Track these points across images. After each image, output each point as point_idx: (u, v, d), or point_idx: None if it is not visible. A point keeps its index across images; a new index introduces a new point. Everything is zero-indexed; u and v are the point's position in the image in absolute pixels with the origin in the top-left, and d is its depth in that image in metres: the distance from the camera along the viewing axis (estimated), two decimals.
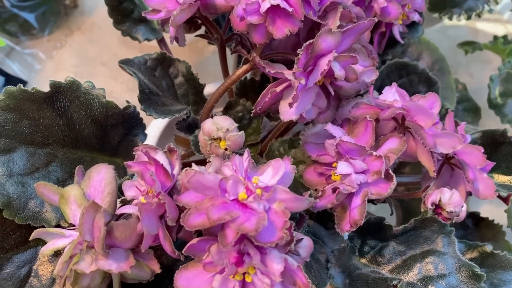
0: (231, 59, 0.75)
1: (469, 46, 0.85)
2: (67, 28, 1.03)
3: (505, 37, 0.82)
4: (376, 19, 0.47)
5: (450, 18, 0.74)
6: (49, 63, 0.99)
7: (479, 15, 0.74)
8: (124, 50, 1.00)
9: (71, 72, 0.98)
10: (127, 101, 0.49)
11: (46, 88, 0.54)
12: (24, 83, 0.95)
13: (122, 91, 0.97)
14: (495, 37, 0.84)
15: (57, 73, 0.98)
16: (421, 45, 0.69)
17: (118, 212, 0.40)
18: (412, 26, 0.60)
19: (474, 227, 0.62)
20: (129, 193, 0.41)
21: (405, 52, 0.69)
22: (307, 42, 0.42)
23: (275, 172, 0.38)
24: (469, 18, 0.74)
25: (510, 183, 0.56)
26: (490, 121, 0.79)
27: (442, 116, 0.68)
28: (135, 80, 0.49)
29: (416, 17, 0.58)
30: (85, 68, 0.99)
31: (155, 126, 0.64)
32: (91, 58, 1.01)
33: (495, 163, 0.55)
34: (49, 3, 0.98)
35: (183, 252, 0.38)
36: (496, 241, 0.61)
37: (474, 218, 0.62)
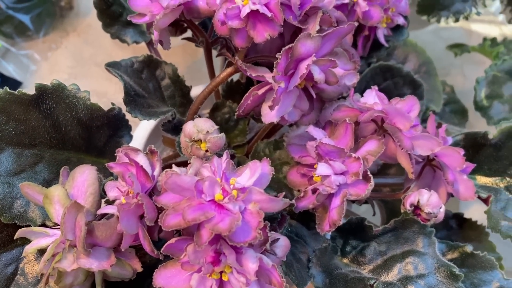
0: (220, 60, 0.76)
1: (458, 48, 0.86)
2: (63, 30, 1.04)
3: (493, 39, 0.83)
4: (356, 24, 0.48)
5: (438, 21, 0.74)
6: (44, 64, 1.00)
7: (466, 18, 0.74)
8: (119, 51, 1.01)
9: (65, 73, 0.99)
10: (112, 103, 0.49)
11: None
12: (19, 84, 0.96)
13: (116, 91, 0.98)
14: (484, 39, 0.85)
15: (52, 74, 0.99)
16: (408, 47, 0.70)
17: (100, 212, 0.41)
18: (397, 29, 0.60)
19: (458, 228, 0.62)
20: (111, 194, 0.42)
21: (391, 55, 0.70)
22: (286, 47, 0.43)
23: (252, 173, 0.39)
24: (457, 20, 0.74)
25: (492, 184, 0.57)
26: (480, 123, 0.80)
27: (428, 118, 0.69)
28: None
29: (400, 20, 0.59)
30: (80, 69, 1.00)
31: (143, 127, 0.65)
32: (85, 59, 1.02)
33: (475, 165, 0.56)
34: (44, 5, 0.99)
35: (161, 251, 0.39)
36: (480, 242, 0.61)
37: (457, 219, 0.63)
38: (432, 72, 0.70)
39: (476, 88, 0.69)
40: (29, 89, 0.94)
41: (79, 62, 1.01)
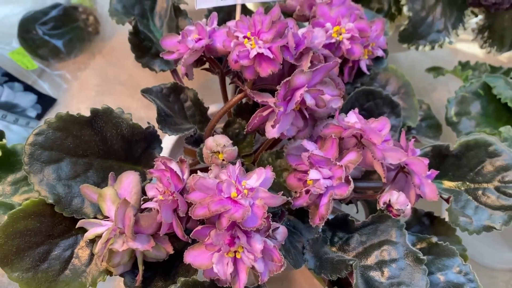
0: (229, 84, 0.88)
1: (435, 71, 0.98)
2: (90, 52, 1.18)
3: (465, 64, 0.95)
4: (339, 60, 0.61)
5: (417, 49, 0.87)
6: (74, 83, 1.13)
7: (441, 46, 0.87)
8: (140, 71, 1.14)
9: (93, 91, 1.12)
10: (148, 123, 0.62)
11: (72, 105, 0.64)
12: (54, 100, 1.09)
13: (138, 107, 1.11)
14: (459, 63, 0.97)
15: (81, 92, 1.12)
16: (389, 72, 0.82)
17: (143, 206, 0.53)
18: (377, 59, 0.73)
19: (430, 224, 0.74)
20: (150, 193, 0.55)
21: (374, 79, 0.82)
22: (285, 80, 0.55)
23: (259, 177, 0.51)
24: (432, 48, 0.87)
25: (455, 188, 0.68)
26: (453, 136, 0.91)
27: (406, 132, 0.81)
28: (154, 105, 0.63)
29: (379, 53, 0.71)
30: (106, 88, 1.13)
31: (168, 140, 0.77)
32: (110, 79, 1.15)
33: (442, 172, 0.68)
34: (74, 31, 1.13)
35: (190, 236, 0.51)
36: (448, 236, 0.73)
37: (429, 216, 0.74)
38: (410, 93, 0.83)
39: (447, 106, 0.81)
40: (62, 106, 1.07)
41: (105, 81, 1.14)
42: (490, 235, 0.98)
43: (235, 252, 0.50)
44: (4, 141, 0.64)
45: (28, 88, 1.07)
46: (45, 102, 1.07)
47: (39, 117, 1.05)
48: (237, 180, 0.51)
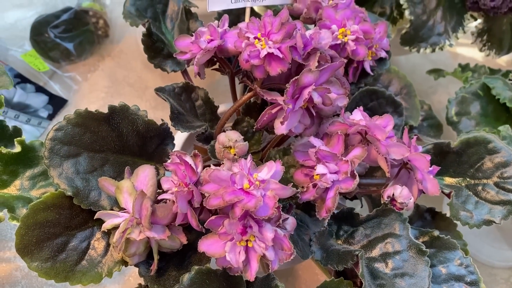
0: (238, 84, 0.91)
1: (435, 73, 1.01)
2: (100, 55, 1.21)
3: (465, 66, 0.98)
4: (345, 61, 0.64)
5: (418, 51, 0.90)
6: (84, 84, 1.16)
7: (441, 49, 0.90)
8: (148, 73, 1.17)
9: (103, 92, 1.15)
10: (162, 119, 0.65)
11: (82, 105, 0.66)
12: (65, 101, 1.12)
13: (146, 108, 1.13)
14: (459, 65, 1.00)
15: (91, 93, 1.15)
16: (391, 73, 0.85)
17: (160, 198, 0.56)
18: (380, 60, 0.76)
19: (431, 220, 0.77)
20: (165, 186, 0.57)
21: (377, 80, 0.85)
22: (294, 78, 0.58)
23: (269, 170, 0.54)
24: (433, 51, 0.90)
25: (456, 184, 0.71)
26: (453, 135, 0.94)
27: (408, 131, 0.84)
28: (167, 103, 0.66)
29: (383, 54, 0.74)
30: (115, 89, 1.16)
31: (179, 137, 0.80)
32: (119, 80, 1.18)
33: (443, 168, 0.71)
34: (85, 34, 1.16)
35: (204, 226, 0.54)
36: (449, 231, 0.76)
37: (431, 212, 0.77)
38: (412, 94, 0.85)
39: (448, 106, 0.84)
40: (73, 106, 1.10)
41: (114, 83, 1.17)
42: (490, 234, 1.01)
43: (247, 241, 0.52)
44: (23, 137, 0.67)
45: (39, 89, 1.10)
46: (56, 102, 1.10)
47: (50, 117, 1.08)
48: (249, 172, 0.53)
